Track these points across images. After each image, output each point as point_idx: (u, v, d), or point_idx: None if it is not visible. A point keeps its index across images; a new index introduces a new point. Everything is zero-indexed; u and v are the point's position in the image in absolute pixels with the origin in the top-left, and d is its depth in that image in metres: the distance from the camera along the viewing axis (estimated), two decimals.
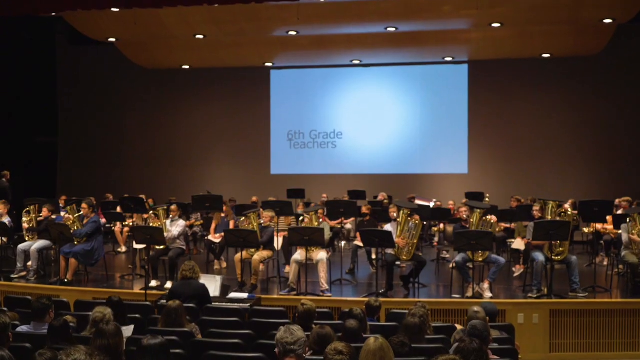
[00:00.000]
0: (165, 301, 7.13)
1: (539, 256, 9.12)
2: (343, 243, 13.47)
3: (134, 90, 19.24)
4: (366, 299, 6.90)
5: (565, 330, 8.62)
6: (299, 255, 9.49)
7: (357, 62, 17.83)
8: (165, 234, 9.85)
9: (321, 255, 9.42)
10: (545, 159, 17.28)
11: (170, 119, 19.13)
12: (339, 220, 12.83)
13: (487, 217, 9.59)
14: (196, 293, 7.36)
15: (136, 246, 10.72)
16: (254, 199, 14.79)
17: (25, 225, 11.10)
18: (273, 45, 16.69)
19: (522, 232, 10.85)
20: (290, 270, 9.58)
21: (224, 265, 11.86)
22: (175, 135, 19.09)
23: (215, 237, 11.79)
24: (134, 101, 19.29)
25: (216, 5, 11.94)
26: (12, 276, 10.51)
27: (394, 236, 9.31)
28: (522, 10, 13.28)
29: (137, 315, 6.71)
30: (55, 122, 19.43)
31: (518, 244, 10.67)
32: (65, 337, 5.12)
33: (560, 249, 9.18)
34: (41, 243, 10.77)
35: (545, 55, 16.54)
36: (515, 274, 10.74)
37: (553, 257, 9.01)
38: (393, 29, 14.70)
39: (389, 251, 9.57)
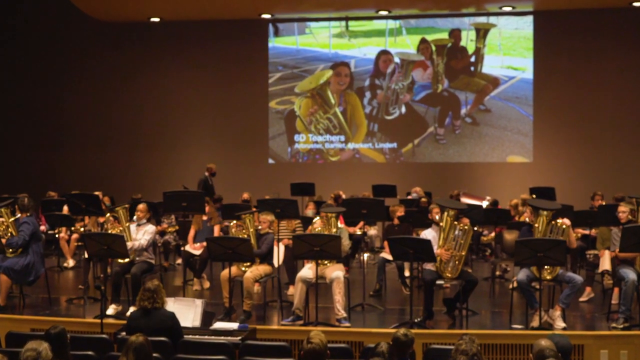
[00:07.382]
0: (125, 333, 7.15)
1: (629, 273, 9.07)
2: (366, 255, 13.45)
3: (86, 50, 19.25)
4: (395, 331, 6.89)
5: None
6: (307, 271, 9.49)
7: (384, 12, 17.79)
8: (129, 244, 9.86)
9: (337, 272, 9.40)
10: (637, 141, 17.17)
11: (134, 89, 19.16)
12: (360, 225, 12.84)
13: (558, 220, 9.47)
14: (161, 326, 7.33)
15: (87, 257, 10.73)
16: (245, 195, 14.76)
17: None
18: None
19: (606, 241, 10.72)
20: (295, 291, 9.56)
21: (207, 285, 11.88)
22: (141, 111, 19.13)
23: (194, 248, 11.81)
24: (85, 65, 19.30)
25: None
26: None
27: (435, 246, 9.30)
28: None
29: (89, 353, 6.72)
30: None
31: (604, 261, 10.37)
32: None
33: None
34: None
35: (637, 4, 16.42)
36: (583, 298, 10.69)
37: None
38: None
39: (428, 266, 9.55)
